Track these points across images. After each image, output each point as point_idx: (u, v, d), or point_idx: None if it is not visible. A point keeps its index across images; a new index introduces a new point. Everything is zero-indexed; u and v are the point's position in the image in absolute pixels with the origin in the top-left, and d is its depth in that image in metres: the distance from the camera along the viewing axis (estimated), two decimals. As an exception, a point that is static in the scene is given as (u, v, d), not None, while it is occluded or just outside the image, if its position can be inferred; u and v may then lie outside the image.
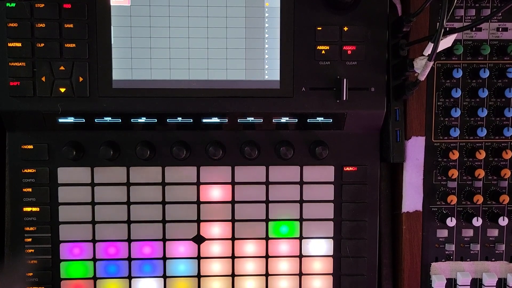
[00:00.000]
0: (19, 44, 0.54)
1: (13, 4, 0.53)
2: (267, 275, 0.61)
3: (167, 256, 0.60)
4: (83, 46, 0.54)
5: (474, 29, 0.59)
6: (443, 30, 0.47)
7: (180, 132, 0.59)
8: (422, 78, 0.52)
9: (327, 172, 0.60)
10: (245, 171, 0.60)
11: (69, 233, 0.59)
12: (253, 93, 0.56)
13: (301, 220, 0.60)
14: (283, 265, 0.61)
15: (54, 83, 0.55)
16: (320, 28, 0.56)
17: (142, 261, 0.60)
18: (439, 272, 0.61)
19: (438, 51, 0.49)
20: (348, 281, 0.61)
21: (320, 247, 0.61)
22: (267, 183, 0.60)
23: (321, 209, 0.60)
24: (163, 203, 0.59)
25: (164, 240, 0.60)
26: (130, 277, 0.60)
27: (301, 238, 0.61)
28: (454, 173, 0.58)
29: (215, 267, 0.60)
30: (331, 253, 0.61)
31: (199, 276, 0.60)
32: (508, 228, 0.61)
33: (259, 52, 0.56)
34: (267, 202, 0.60)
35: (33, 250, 0.59)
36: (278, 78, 0.56)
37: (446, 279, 0.61)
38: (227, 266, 0.60)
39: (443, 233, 0.61)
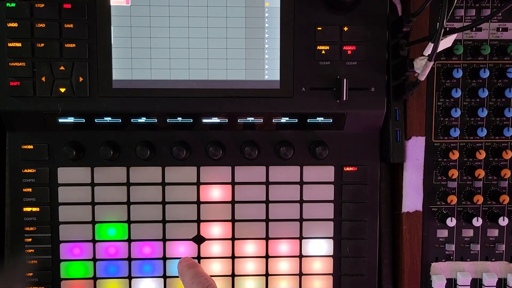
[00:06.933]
0: (19, 44, 0.54)
1: (13, 4, 0.53)
2: (267, 275, 0.61)
3: (167, 256, 0.60)
4: (83, 46, 0.55)
5: (474, 29, 0.59)
6: (443, 30, 0.47)
7: (180, 132, 0.59)
8: (422, 78, 0.52)
9: (327, 172, 0.60)
10: (245, 171, 0.60)
11: (69, 233, 0.59)
12: (253, 93, 0.56)
13: (301, 220, 0.60)
14: (283, 265, 0.61)
15: (54, 83, 0.55)
16: (320, 28, 0.56)
17: (142, 261, 0.60)
18: (439, 272, 0.61)
19: (438, 51, 0.49)
20: (348, 281, 0.61)
21: (320, 247, 0.61)
22: (267, 183, 0.60)
23: (321, 209, 0.60)
24: (163, 203, 0.59)
25: (164, 240, 0.60)
26: (130, 277, 0.60)
27: (301, 238, 0.61)
28: (454, 173, 0.58)
29: (215, 267, 0.60)
30: (331, 253, 0.61)
31: (199, 276, 0.60)
32: (508, 228, 0.61)
33: (259, 52, 0.56)
34: (267, 202, 0.60)
35: (33, 250, 0.59)
36: (278, 78, 0.56)
37: (446, 279, 0.61)
38: (227, 266, 0.60)
39: (443, 233, 0.61)
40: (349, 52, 0.56)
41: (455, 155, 0.59)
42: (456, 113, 0.58)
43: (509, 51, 0.58)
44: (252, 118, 0.58)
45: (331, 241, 0.61)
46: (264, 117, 0.58)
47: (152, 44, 0.55)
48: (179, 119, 0.57)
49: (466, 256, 0.61)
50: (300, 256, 0.61)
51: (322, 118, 0.58)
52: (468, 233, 0.61)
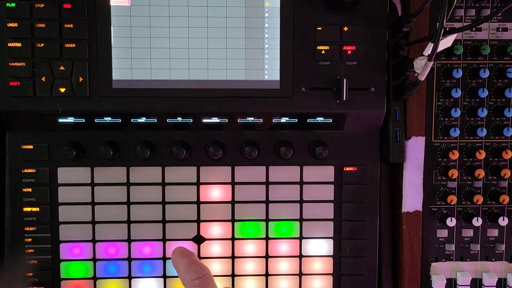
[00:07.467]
0: (19, 44, 0.54)
1: (13, 4, 0.53)
2: (267, 275, 0.61)
3: (167, 256, 0.60)
4: (83, 46, 0.55)
5: (474, 29, 0.59)
6: (443, 30, 0.47)
7: (180, 132, 0.59)
8: (422, 78, 0.52)
9: (327, 172, 0.60)
10: (245, 171, 0.60)
11: (69, 233, 0.59)
12: (253, 93, 0.56)
13: (301, 220, 0.60)
14: (283, 265, 0.61)
15: (54, 83, 0.55)
16: (320, 28, 0.56)
17: (142, 261, 0.60)
18: (439, 272, 0.61)
19: (438, 51, 0.49)
20: (348, 281, 0.61)
21: (320, 247, 0.61)
22: (267, 183, 0.60)
23: (321, 209, 0.60)
24: (163, 203, 0.59)
25: (164, 240, 0.60)
26: (130, 277, 0.60)
27: (301, 238, 0.61)
28: (454, 173, 0.58)
29: (215, 267, 0.60)
30: (331, 253, 0.61)
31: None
32: (508, 228, 0.61)
33: (259, 52, 0.56)
34: (267, 202, 0.60)
35: (33, 250, 0.59)
36: (278, 78, 0.56)
37: (446, 279, 0.61)
38: (227, 266, 0.60)
39: (443, 233, 0.61)
40: (349, 52, 0.56)
41: (455, 155, 0.59)
42: (456, 113, 0.58)
43: (509, 51, 0.58)
44: (252, 118, 0.58)
45: (331, 241, 0.61)
46: (264, 117, 0.58)
47: (152, 44, 0.55)
48: (179, 119, 0.57)
49: (466, 256, 0.61)
50: (300, 256, 0.61)
51: (322, 118, 0.58)
52: (468, 233, 0.61)
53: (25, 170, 0.58)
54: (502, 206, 0.61)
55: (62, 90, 0.55)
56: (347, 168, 0.60)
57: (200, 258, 0.60)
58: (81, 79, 0.55)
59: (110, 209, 0.59)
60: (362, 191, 0.60)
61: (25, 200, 0.58)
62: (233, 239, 0.60)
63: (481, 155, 0.59)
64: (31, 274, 0.59)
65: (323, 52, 0.56)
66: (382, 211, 0.62)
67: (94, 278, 0.60)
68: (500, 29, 0.59)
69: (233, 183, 0.60)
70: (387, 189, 0.62)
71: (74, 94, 0.55)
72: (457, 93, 0.58)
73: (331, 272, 0.61)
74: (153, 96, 0.56)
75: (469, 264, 0.61)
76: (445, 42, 0.52)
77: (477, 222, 0.59)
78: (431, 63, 0.50)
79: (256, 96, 0.56)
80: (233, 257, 0.60)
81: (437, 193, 0.61)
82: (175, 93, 0.56)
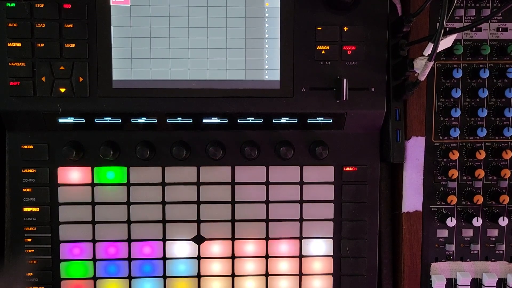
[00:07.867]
0: (19, 44, 0.54)
1: (13, 4, 0.53)
2: (267, 275, 0.61)
3: (167, 256, 0.60)
4: (83, 46, 0.55)
5: (474, 29, 0.59)
6: (443, 30, 0.47)
7: (180, 132, 0.59)
8: (422, 78, 0.52)
9: (327, 172, 0.60)
10: (245, 171, 0.60)
11: (69, 233, 0.59)
12: (253, 93, 0.56)
13: (301, 220, 0.60)
14: (283, 265, 0.61)
15: (54, 83, 0.55)
16: (320, 28, 0.56)
17: (142, 261, 0.60)
18: (439, 272, 0.61)
19: (438, 51, 0.49)
20: (348, 281, 0.61)
21: (320, 247, 0.61)
22: (267, 183, 0.60)
23: (321, 209, 0.60)
24: (163, 203, 0.59)
25: (164, 240, 0.60)
26: (130, 277, 0.60)
27: (301, 238, 0.61)
28: (454, 173, 0.58)
29: (215, 267, 0.60)
30: (331, 253, 0.61)
31: (199, 276, 0.60)
32: (508, 228, 0.61)
33: (259, 52, 0.56)
34: (267, 202, 0.60)
35: (33, 250, 0.59)
36: (278, 78, 0.56)
37: (446, 279, 0.61)
38: (227, 266, 0.60)
39: (443, 233, 0.61)
40: (349, 52, 0.56)
41: (455, 155, 0.59)
42: (456, 113, 0.58)
43: (509, 51, 0.58)
44: (252, 118, 0.58)
45: (331, 241, 0.61)
46: (264, 117, 0.58)
47: (152, 44, 0.55)
48: (179, 119, 0.57)
49: (466, 256, 0.61)
50: (300, 256, 0.61)
51: (322, 118, 0.58)
52: (468, 233, 0.61)
53: (25, 170, 0.58)
54: (502, 206, 0.61)
55: (62, 90, 0.55)
56: (347, 168, 0.60)
57: (200, 258, 0.60)
58: (81, 79, 0.55)
59: (110, 209, 0.59)
60: (362, 191, 0.60)
61: (25, 200, 0.58)
62: (233, 239, 0.60)
63: (481, 155, 0.59)
64: (31, 274, 0.59)
65: (323, 52, 0.56)
66: (382, 211, 0.62)
67: (94, 278, 0.60)
68: (500, 29, 0.59)
69: (233, 183, 0.60)
70: (387, 189, 0.62)
71: (74, 94, 0.55)
72: (457, 93, 0.58)
73: (331, 272, 0.61)
74: (153, 96, 0.56)
75: (469, 264, 0.61)
76: (445, 42, 0.52)
77: (477, 222, 0.59)
78: (431, 63, 0.50)
79: (256, 96, 0.56)
80: (233, 257, 0.60)
81: (437, 193, 0.61)
82: (175, 93, 0.56)
